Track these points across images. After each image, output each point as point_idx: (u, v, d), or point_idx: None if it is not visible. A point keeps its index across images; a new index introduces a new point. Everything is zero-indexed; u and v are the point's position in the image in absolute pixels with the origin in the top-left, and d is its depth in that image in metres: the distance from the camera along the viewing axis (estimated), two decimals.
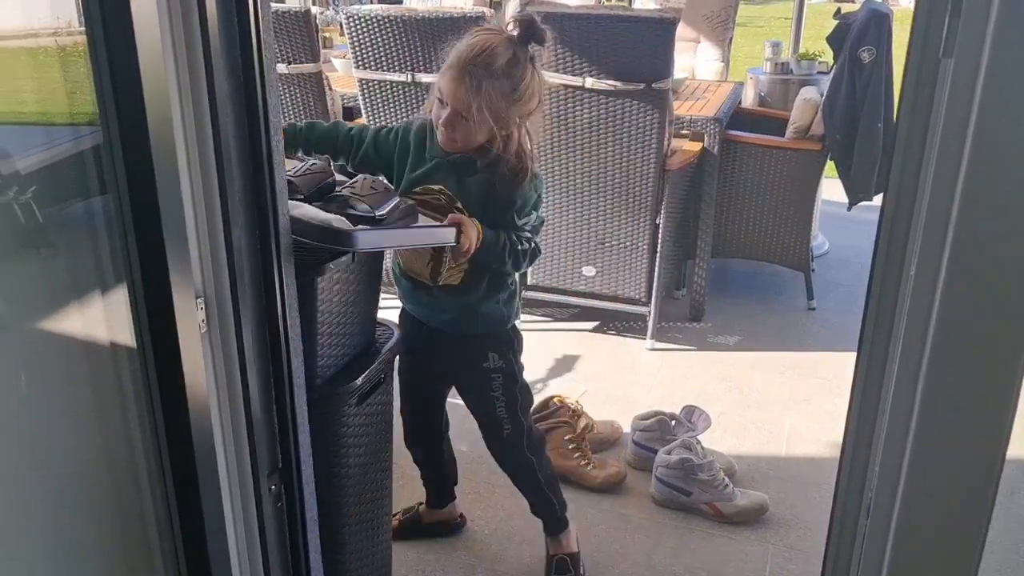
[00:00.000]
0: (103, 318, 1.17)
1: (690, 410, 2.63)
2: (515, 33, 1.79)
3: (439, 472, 2.29)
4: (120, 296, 1.14)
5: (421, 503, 2.35)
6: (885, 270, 0.91)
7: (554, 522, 2.19)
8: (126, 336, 1.15)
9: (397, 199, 1.68)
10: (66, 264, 1.17)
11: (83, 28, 1.04)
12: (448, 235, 1.74)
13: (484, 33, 1.79)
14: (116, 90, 1.03)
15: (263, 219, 1.30)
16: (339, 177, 1.75)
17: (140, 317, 1.13)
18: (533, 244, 1.91)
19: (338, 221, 1.54)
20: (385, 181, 1.77)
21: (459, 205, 1.85)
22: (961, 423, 0.86)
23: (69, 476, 1.18)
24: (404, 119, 3.32)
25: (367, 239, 1.58)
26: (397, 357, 1.91)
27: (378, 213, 1.62)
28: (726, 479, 2.38)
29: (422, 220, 1.74)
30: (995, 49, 0.73)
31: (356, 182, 1.69)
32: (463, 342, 2.01)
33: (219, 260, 1.21)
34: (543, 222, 1.98)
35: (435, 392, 2.17)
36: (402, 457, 2.57)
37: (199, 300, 1.20)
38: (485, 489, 2.46)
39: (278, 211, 1.32)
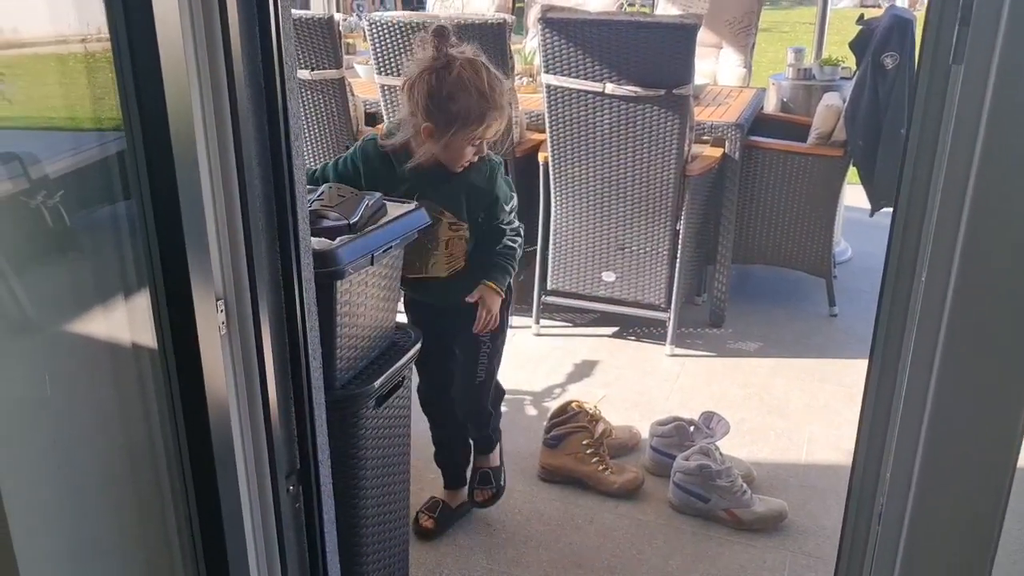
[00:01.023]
0: (125, 320, 1.19)
1: (709, 416, 2.63)
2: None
3: (459, 453, 2.40)
4: (142, 298, 1.16)
5: (433, 497, 2.40)
6: (897, 276, 0.92)
7: (488, 445, 2.38)
8: (148, 338, 1.17)
9: (367, 201, 1.70)
10: (89, 267, 1.19)
11: (108, 34, 1.06)
12: (421, 217, 1.82)
13: (485, 66, 1.95)
14: (139, 95, 1.06)
15: (282, 223, 1.32)
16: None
17: (161, 319, 1.16)
18: (520, 234, 2.09)
19: (318, 243, 1.55)
20: (350, 187, 1.80)
21: (443, 211, 2.00)
22: (972, 429, 0.86)
23: (91, 475, 1.20)
24: None
25: (351, 251, 1.59)
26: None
27: (352, 220, 1.64)
28: (744, 486, 2.38)
29: (390, 209, 1.78)
30: (1004, 56, 0.73)
31: (322, 193, 1.71)
32: (471, 307, 2.09)
33: (239, 263, 1.23)
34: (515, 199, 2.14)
35: (445, 362, 2.24)
36: (419, 459, 2.59)
37: (219, 302, 1.22)
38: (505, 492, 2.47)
39: (297, 215, 1.34)
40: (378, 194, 1.78)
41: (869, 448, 1.01)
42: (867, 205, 3.51)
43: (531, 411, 2.95)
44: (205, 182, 1.16)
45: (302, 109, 3.56)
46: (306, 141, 3.65)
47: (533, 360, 3.30)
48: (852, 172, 3.56)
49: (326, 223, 1.65)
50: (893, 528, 0.92)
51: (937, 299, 0.83)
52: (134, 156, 1.10)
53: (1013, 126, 0.75)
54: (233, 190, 1.20)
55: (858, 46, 3.44)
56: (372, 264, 1.68)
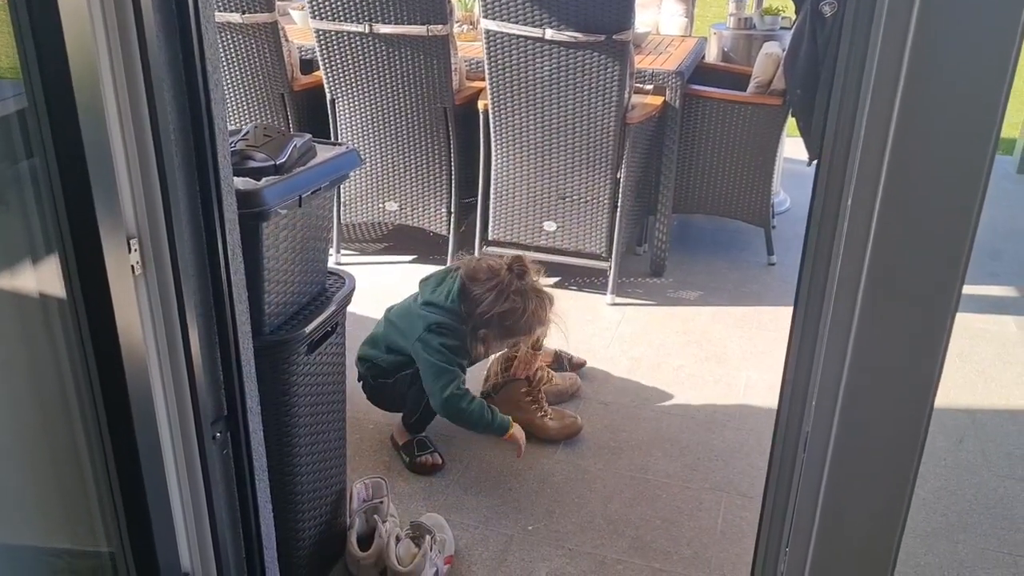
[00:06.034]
0: (29, 260, 1.13)
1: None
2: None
3: None
4: (47, 237, 1.10)
5: (413, 439, 2.42)
6: (824, 202, 0.91)
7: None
8: (54, 278, 1.12)
9: (295, 142, 1.65)
10: None
11: None
12: (353, 159, 1.79)
13: (550, 300, 2.38)
14: (32, 16, 0.99)
15: (201, 160, 1.26)
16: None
17: (68, 258, 1.10)
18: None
19: (243, 183, 1.50)
20: (277, 126, 1.75)
21: None
22: (892, 362, 0.86)
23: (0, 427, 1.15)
24: (362, 71, 3.26)
25: (277, 192, 1.54)
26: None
27: (279, 160, 1.59)
28: None
29: (320, 151, 1.74)
30: None
31: (247, 133, 1.66)
32: None
33: (153, 199, 1.18)
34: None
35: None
36: (360, 412, 2.56)
37: (132, 241, 1.17)
38: (442, 440, 2.46)
39: (217, 152, 1.29)
40: (307, 135, 1.72)
41: (795, 379, 1.01)
42: (805, 156, 3.54)
43: None
44: (111, 113, 1.10)
45: (233, 55, 3.44)
46: (239, 87, 3.53)
47: None
48: (791, 124, 3.57)
49: (252, 164, 1.59)
50: (817, 454, 0.93)
51: (862, 223, 0.83)
52: (30, 86, 1.03)
53: (938, 48, 0.74)
54: (144, 123, 1.14)
55: None
56: (300, 206, 1.63)
